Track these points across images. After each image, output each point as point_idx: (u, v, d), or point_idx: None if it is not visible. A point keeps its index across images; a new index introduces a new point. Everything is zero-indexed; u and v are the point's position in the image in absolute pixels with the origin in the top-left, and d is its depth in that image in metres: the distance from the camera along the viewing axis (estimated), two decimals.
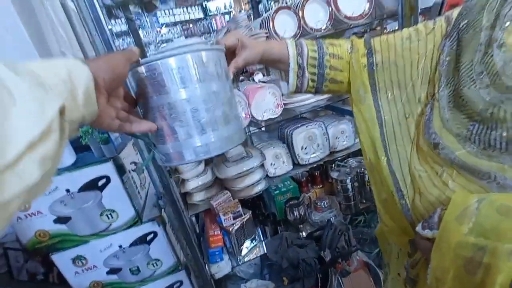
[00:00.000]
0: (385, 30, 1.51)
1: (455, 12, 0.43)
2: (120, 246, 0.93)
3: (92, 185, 0.83)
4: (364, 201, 1.40)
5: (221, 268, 1.19)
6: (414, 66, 0.46)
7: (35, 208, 0.82)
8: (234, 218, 1.19)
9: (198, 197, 1.25)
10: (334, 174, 1.34)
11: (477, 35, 0.37)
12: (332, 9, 1.13)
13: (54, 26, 0.90)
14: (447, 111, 0.40)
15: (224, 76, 0.46)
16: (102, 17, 0.75)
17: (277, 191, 1.37)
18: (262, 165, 1.28)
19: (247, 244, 1.26)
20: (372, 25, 1.40)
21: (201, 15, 4.43)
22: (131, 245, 0.94)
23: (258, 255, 1.25)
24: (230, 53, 0.52)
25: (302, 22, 1.14)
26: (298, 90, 0.58)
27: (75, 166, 0.81)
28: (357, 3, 1.15)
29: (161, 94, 0.41)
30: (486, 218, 0.32)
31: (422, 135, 0.43)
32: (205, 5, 4.20)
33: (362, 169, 1.36)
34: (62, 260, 0.90)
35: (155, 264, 0.99)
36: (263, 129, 1.58)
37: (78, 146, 0.80)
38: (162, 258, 1.00)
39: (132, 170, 0.95)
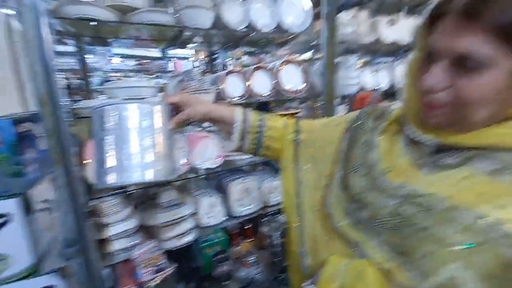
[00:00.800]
0: (317, 103, 1.80)
1: (355, 113, 0.58)
2: None
3: None
4: None
5: None
6: (326, 148, 0.59)
7: None
8: (156, 272, 1.09)
9: (117, 245, 1.11)
10: (264, 229, 1.39)
11: (363, 134, 0.50)
12: (275, 81, 1.32)
13: None
14: (338, 189, 0.50)
15: (164, 123, 0.58)
16: (48, 44, 0.75)
17: (207, 243, 1.33)
18: (195, 214, 1.26)
19: None
20: (307, 99, 1.66)
21: (159, 55, 4.50)
22: None
23: None
24: (179, 108, 0.61)
25: (250, 87, 1.30)
26: (239, 150, 0.67)
27: None
28: (296, 80, 1.37)
29: (114, 129, 0.54)
30: (348, 279, 0.40)
31: (323, 205, 0.52)
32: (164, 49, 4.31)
33: None
34: None
35: None
36: (202, 176, 1.59)
37: None
38: None
39: (41, 210, 0.83)
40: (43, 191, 0.84)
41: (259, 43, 1.71)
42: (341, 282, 0.40)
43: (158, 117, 0.56)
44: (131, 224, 1.13)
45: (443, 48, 0.37)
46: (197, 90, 1.21)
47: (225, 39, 1.59)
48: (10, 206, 0.71)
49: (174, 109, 0.60)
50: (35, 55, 0.74)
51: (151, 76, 4.28)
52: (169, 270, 1.14)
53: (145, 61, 4.55)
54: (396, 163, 0.44)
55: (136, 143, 0.54)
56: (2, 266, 0.74)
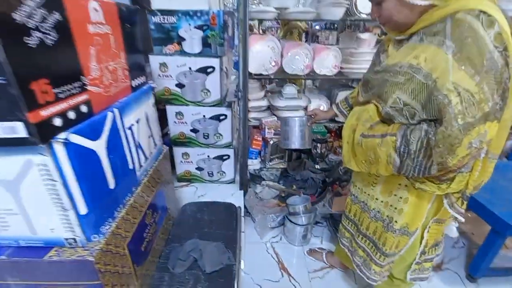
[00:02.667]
0: None
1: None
2: (204, 116, 1.45)
3: (204, 70, 1.32)
4: None
5: (254, 164, 1.68)
6: None
7: (168, 73, 1.35)
8: (274, 135, 1.64)
9: (253, 114, 1.71)
10: None
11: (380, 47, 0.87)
12: None
13: None
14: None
15: (306, 123, 1.31)
16: None
17: (312, 130, 1.76)
18: (305, 108, 1.68)
19: (276, 157, 1.71)
20: None
21: None
22: (210, 118, 1.45)
23: (280, 168, 1.70)
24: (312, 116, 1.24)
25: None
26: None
27: (199, 54, 1.30)
28: None
29: (288, 125, 1.33)
30: (361, 111, 0.83)
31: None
32: None
33: None
34: (170, 111, 1.45)
35: (218, 137, 1.50)
36: (317, 82, 1.95)
37: (204, 43, 1.29)
38: (223, 134, 1.50)
39: (224, 72, 1.43)
40: (226, 61, 1.42)
41: None
42: (358, 114, 0.81)
43: (305, 121, 1.28)
44: (263, 102, 1.67)
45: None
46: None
47: None
48: (216, 62, 1.30)
49: (311, 116, 1.31)
50: None
51: None
52: None
53: None
54: (391, 53, 0.82)
55: (295, 130, 1.27)
56: (206, 96, 1.39)
